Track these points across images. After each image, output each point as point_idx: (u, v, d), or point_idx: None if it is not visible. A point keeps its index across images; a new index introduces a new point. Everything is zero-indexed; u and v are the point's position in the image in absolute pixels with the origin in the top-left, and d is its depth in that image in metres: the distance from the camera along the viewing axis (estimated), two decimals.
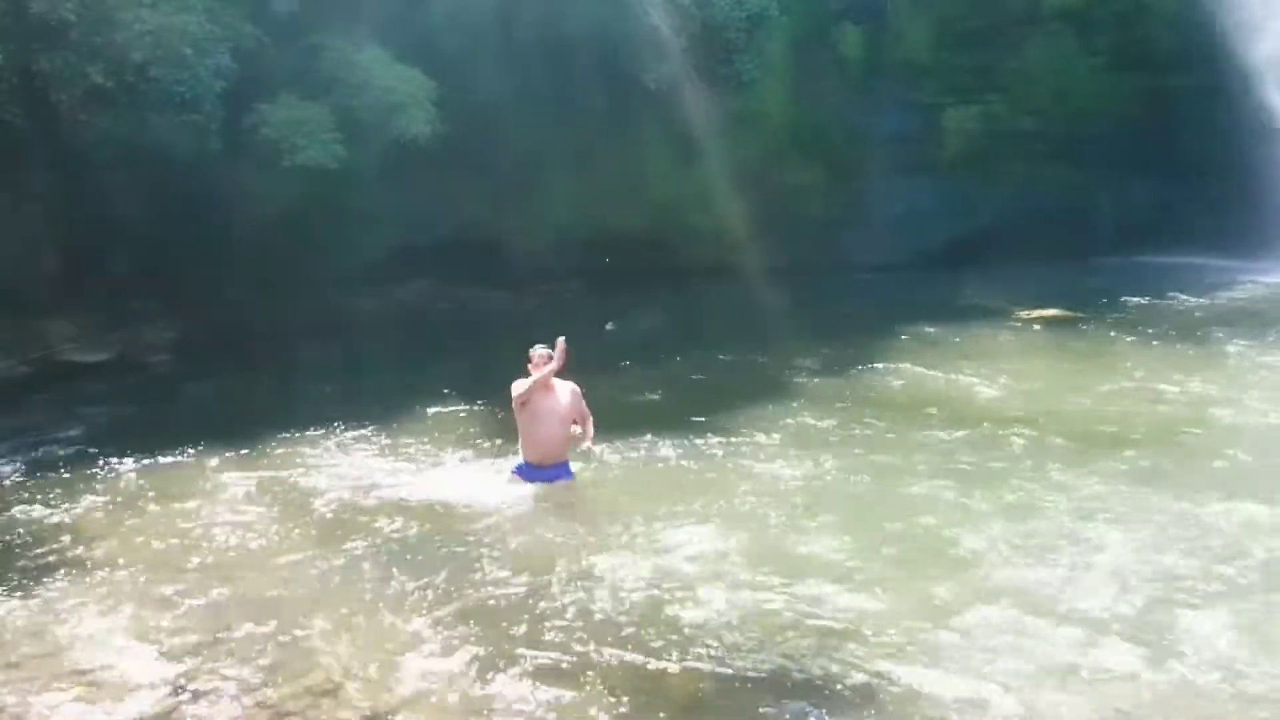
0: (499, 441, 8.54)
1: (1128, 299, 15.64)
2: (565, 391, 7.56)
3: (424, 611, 5.71)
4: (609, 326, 14.19)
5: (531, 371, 7.42)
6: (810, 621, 5.51)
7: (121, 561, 6.50)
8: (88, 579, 6.24)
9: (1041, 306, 15.07)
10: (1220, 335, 13.00)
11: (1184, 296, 16.04)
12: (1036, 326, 14.33)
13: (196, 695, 4.88)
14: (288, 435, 9.22)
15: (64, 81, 12.13)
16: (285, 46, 14.19)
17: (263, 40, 13.86)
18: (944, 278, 17.72)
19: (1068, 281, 16.81)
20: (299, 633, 5.48)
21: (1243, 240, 18.28)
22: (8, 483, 8.22)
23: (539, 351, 7.44)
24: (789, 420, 9.66)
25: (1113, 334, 13.52)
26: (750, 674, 4.98)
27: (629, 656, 5.16)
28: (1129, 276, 17.80)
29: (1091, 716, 4.57)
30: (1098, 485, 7.57)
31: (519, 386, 7.40)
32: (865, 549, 6.48)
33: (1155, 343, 12.88)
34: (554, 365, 7.32)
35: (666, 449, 8.69)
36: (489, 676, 5.01)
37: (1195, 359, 11.85)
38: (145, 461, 8.52)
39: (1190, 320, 14.34)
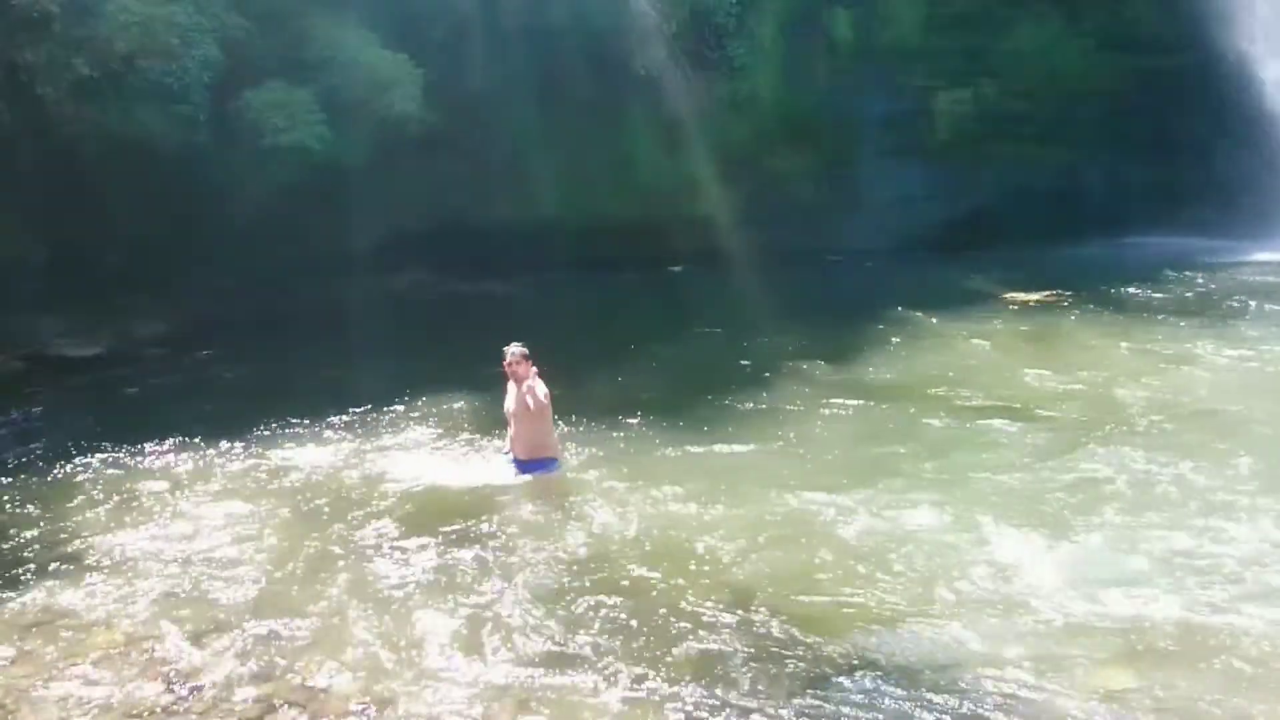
0: (490, 431, 8.58)
1: (1117, 281, 15.57)
2: (536, 388, 7.48)
3: (418, 603, 5.75)
4: None
5: (507, 372, 7.47)
6: (803, 601, 5.59)
7: (115, 555, 6.53)
8: (82, 573, 6.27)
9: (1031, 290, 15.08)
10: (1209, 320, 12.98)
11: (1172, 278, 16.01)
12: (1025, 309, 14.30)
13: (194, 690, 4.92)
14: (280, 426, 9.24)
15: (50, 74, 12.09)
16: (271, 36, 14.12)
17: (249, 30, 13.80)
18: (935, 261, 17.73)
19: (1058, 264, 16.81)
20: (295, 625, 5.52)
21: (1233, 220, 18.31)
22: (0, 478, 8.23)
23: (513, 351, 7.46)
24: (776, 405, 9.71)
25: (1099, 317, 13.51)
26: (749, 661, 5.04)
27: (625, 644, 5.22)
28: (1119, 258, 17.82)
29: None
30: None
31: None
32: (852, 531, 6.54)
33: (1137, 325, 12.85)
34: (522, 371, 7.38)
35: (653, 434, 8.75)
36: (487, 664, 5.07)
37: (1174, 345, 11.78)
38: (138, 455, 8.54)
39: (1175, 302, 14.28)
